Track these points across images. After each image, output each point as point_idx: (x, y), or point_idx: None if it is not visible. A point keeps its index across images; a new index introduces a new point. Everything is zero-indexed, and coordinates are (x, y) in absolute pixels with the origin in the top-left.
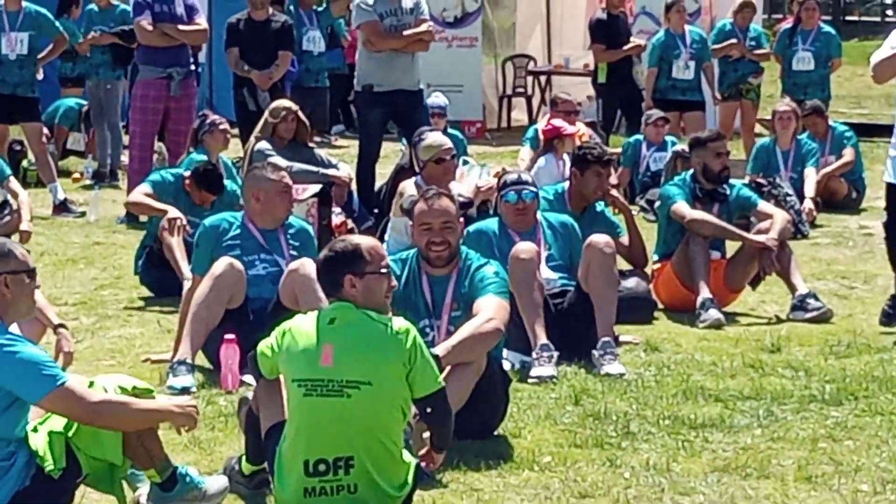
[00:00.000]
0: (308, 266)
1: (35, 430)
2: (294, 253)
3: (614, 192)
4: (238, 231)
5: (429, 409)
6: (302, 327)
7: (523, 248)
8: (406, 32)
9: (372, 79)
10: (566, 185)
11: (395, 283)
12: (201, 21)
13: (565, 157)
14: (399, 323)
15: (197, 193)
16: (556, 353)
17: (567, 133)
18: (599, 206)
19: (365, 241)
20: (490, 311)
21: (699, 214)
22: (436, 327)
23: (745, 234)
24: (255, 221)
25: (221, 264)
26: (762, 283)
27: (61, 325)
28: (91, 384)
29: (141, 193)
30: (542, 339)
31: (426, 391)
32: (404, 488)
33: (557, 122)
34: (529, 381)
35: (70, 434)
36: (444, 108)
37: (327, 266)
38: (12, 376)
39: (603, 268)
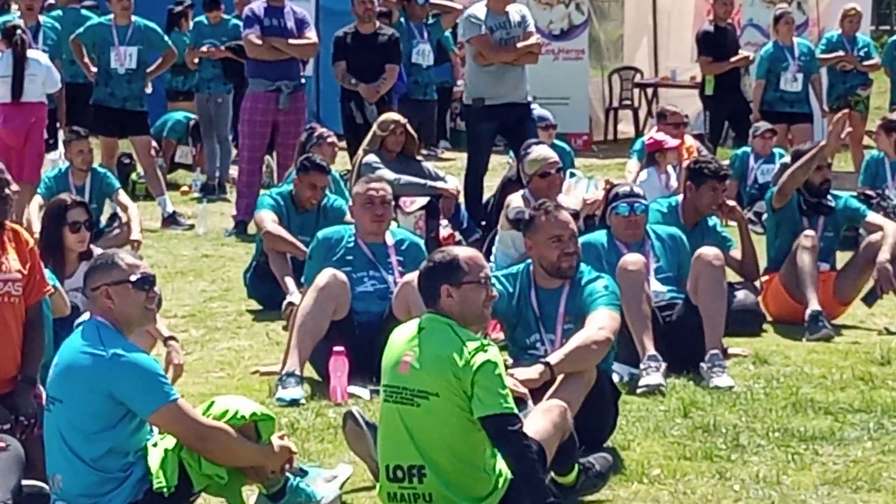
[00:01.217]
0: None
1: (155, 445)
2: (402, 269)
3: (730, 201)
4: (349, 246)
5: (491, 432)
6: (398, 334)
7: (631, 259)
8: (519, 44)
9: (482, 92)
10: (679, 198)
11: (494, 293)
12: (311, 35)
13: (669, 169)
14: (475, 341)
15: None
16: (664, 364)
17: (669, 146)
18: (711, 220)
19: (464, 252)
20: (600, 321)
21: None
22: (548, 341)
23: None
24: (362, 237)
25: (325, 276)
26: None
27: (171, 338)
28: (211, 404)
29: (274, 222)
30: (651, 350)
31: (484, 412)
32: (486, 500)
33: (660, 135)
34: (638, 390)
35: (182, 451)
36: (552, 120)
37: (426, 276)
38: (127, 387)
39: (712, 280)
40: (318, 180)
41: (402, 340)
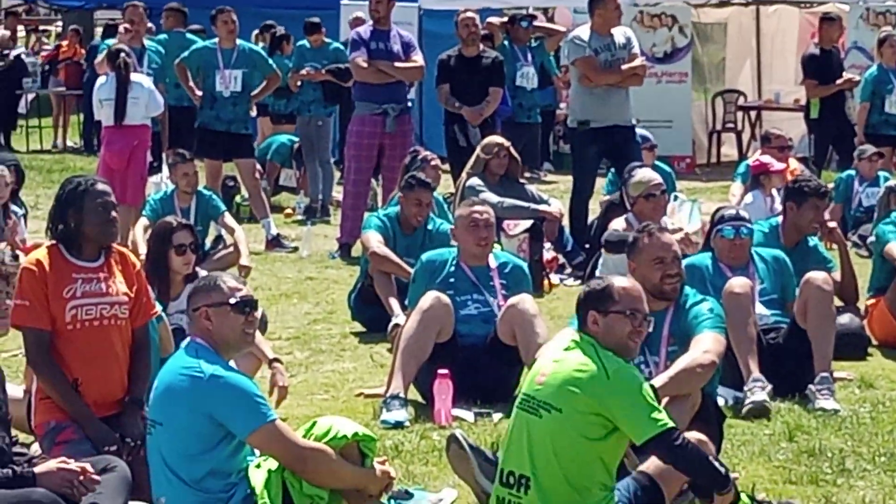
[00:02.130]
0: (527, 302)
1: (258, 466)
2: (505, 293)
3: (831, 223)
4: (452, 269)
5: (658, 454)
6: (548, 346)
7: (737, 282)
8: (624, 66)
9: (588, 115)
10: (779, 219)
11: (643, 329)
12: (417, 58)
13: (773, 192)
14: (615, 364)
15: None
16: (769, 385)
17: (774, 169)
18: (812, 240)
19: (620, 282)
20: (706, 344)
21: None
22: (652, 363)
23: None
24: (465, 260)
25: (429, 298)
26: None
27: (276, 360)
28: (313, 424)
29: (380, 243)
30: (755, 372)
31: (646, 437)
32: None
33: (765, 158)
34: (744, 410)
35: (285, 472)
36: (653, 140)
37: (579, 302)
38: (225, 408)
39: (821, 304)
40: (424, 197)
41: (548, 354)
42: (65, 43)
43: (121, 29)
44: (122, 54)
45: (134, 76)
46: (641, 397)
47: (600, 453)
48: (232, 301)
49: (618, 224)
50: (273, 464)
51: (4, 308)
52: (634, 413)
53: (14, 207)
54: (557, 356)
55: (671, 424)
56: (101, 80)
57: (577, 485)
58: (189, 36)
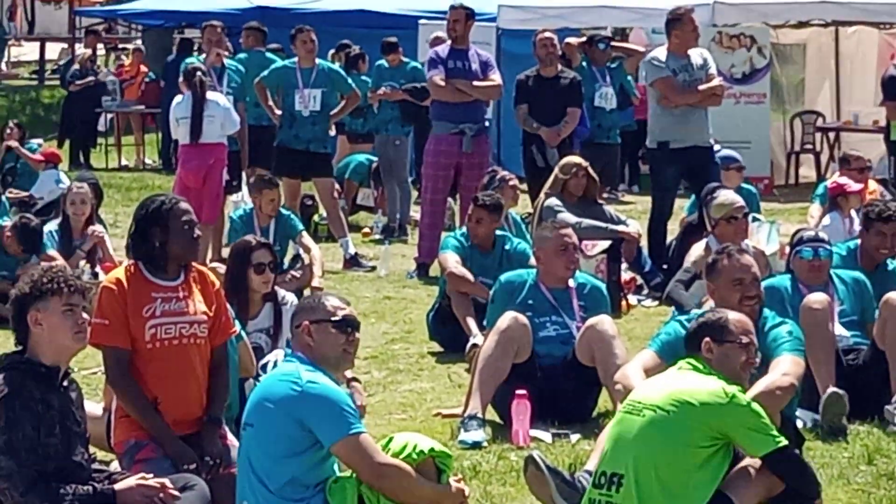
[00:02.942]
0: (605, 323)
1: (336, 481)
2: (584, 314)
3: None
4: (531, 290)
5: (773, 468)
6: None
7: (815, 298)
8: (702, 87)
9: (667, 135)
10: (858, 241)
11: (755, 360)
12: (495, 77)
13: (852, 214)
14: (730, 384)
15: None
16: (846, 394)
17: (852, 190)
18: (892, 263)
19: (735, 315)
20: (785, 367)
21: None
22: None
23: None
24: (545, 281)
25: (506, 318)
26: None
27: (354, 379)
28: (390, 440)
29: (458, 264)
30: (832, 388)
31: (762, 451)
32: None
33: (843, 179)
34: (820, 407)
35: (362, 486)
36: (742, 161)
37: (693, 331)
38: (315, 414)
39: None
40: (482, 216)
41: (662, 375)
42: (127, 61)
43: (205, 48)
44: (199, 73)
45: (210, 94)
46: (758, 415)
47: (699, 464)
48: (334, 319)
49: (698, 248)
50: (350, 479)
51: (81, 322)
52: (754, 430)
53: (97, 225)
54: (672, 372)
55: (784, 442)
56: (177, 98)
57: (671, 489)
58: (268, 55)
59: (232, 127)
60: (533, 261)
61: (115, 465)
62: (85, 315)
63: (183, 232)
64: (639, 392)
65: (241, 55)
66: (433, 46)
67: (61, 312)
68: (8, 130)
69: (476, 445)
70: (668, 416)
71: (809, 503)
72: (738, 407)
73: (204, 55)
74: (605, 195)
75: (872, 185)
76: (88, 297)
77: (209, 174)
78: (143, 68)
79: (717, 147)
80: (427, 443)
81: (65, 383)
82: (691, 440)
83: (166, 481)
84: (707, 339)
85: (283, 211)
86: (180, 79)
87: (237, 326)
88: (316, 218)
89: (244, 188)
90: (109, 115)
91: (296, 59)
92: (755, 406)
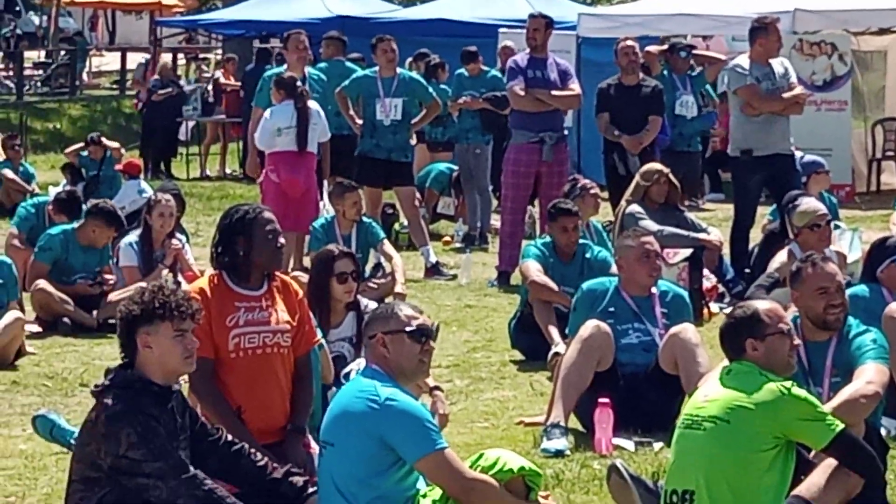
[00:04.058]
0: (689, 331)
1: (424, 495)
2: (666, 322)
3: None
4: (613, 298)
5: (837, 455)
6: (707, 377)
7: None
8: (785, 95)
9: (750, 143)
10: None
11: (797, 342)
12: (574, 86)
13: None
14: (781, 381)
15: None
16: None
17: None
18: None
19: (762, 304)
20: (869, 375)
21: None
22: (815, 394)
23: None
24: (627, 289)
25: (589, 327)
26: None
27: (436, 388)
28: (481, 455)
29: (539, 272)
30: None
31: (823, 442)
32: None
33: None
34: None
35: (450, 502)
36: (826, 166)
37: (729, 332)
38: (397, 432)
39: None
40: (569, 223)
41: (710, 381)
42: (219, 72)
43: (288, 57)
44: (299, 83)
45: (310, 103)
46: (814, 406)
47: (766, 468)
48: (408, 329)
49: (782, 255)
50: (437, 494)
51: (191, 347)
52: (811, 419)
53: (178, 235)
54: (721, 381)
55: (842, 425)
56: (269, 109)
57: (744, 497)
58: (349, 64)
59: (324, 136)
60: (614, 268)
61: None
62: (195, 340)
63: (267, 241)
64: (694, 405)
65: (322, 65)
66: (503, 56)
67: (172, 338)
68: (94, 140)
69: (559, 454)
70: (729, 425)
71: (879, 494)
72: (793, 399)
73: (285, 65)
74: (686, 203)
75: None
76: (198, 320)
77: (310, 183)
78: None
79: (799, 154)
80: (517, 461)
81: (173, 402)
82: (755, 445)
83: None
84: (749, 339)
85: (365, 219)
86: (273, 88)
87: (319, 335)
88: (397, 226)
89: (325, 197)
90: (191, 124)
91: (376, 68)
92: (809, 396)
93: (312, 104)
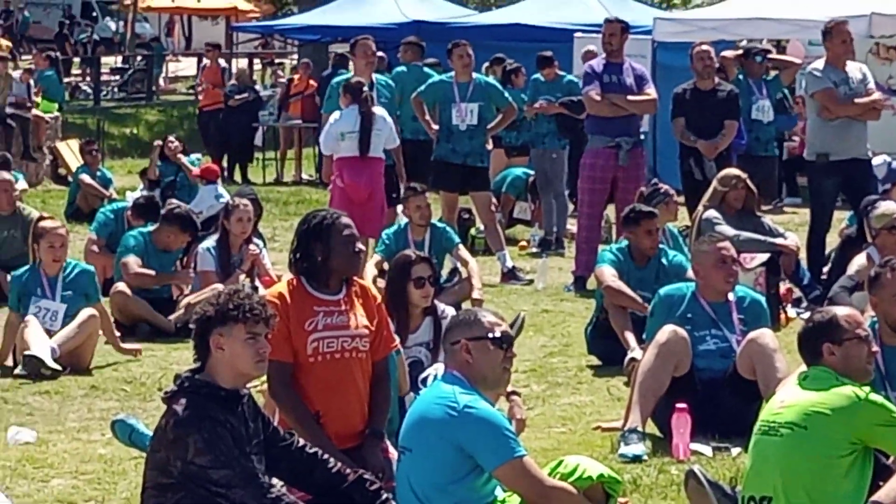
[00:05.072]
0: (767, 336)
1: (503, 501)
2: (743, 328)
3: None
4: (690, 304)
5: None
6: (784, 383)
7: None
8: (860, 100)
9: (827, 147)
10: None
11: (875, 348)
12: (651, 91)
13: None
14: (858, 387)
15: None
16: None
17: None
18: None
19: (841, 310)
20: None
21: None
22: (893, 399)
23: None
24: (704, 295)
25: (665, 332)
26: None
27: (513, 393)
28: (560, 462)
29: (615, 277)
30: None
31: None
32: None
33: None
34: None
35: None
36: None
37: (806, 337)
38: (476, 438)
39: None
40: (651, 225)
41: (786, 386)
42: (296, 76)
43: (355, 63)
44: (365, 88)
45: (376, 109)
46: (891, 412)
47: (843, 473)
48: (492, 336)
49: (860, 259)
50: (516, 500)
51: (262, 351)
52: (890, 428)
53: (255, 240)
54: (797, 387)
55: None
56: (335, 114)
57: (820, 502)
58: (426, 70)
59: (393, 142)
60: (690, 273)
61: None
62: (267, 344)
63: (345, 247)
64: (771, 411)
65: (400, 69)
66: (585, 60)
67: (244, 340)
68: (169, 144)
69: (636, 459)
70: (806, 431)
71: None
72: (870, 405)
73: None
74: (763, 208)
75: None
76: (272, 324)
77: (374, 188)
78: (313, 83)
79: (888, 159)
80: (597, 468)
81: (243, 407)
82: (832, 451)
83: None
84: (826, 343)
85: (439, 224)
86: (342, 93)
87: (397, 340)
88: (473, 231)
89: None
90: (265, 130)
91: (452, 73)
92: (886, 402)
93: (378, 110)
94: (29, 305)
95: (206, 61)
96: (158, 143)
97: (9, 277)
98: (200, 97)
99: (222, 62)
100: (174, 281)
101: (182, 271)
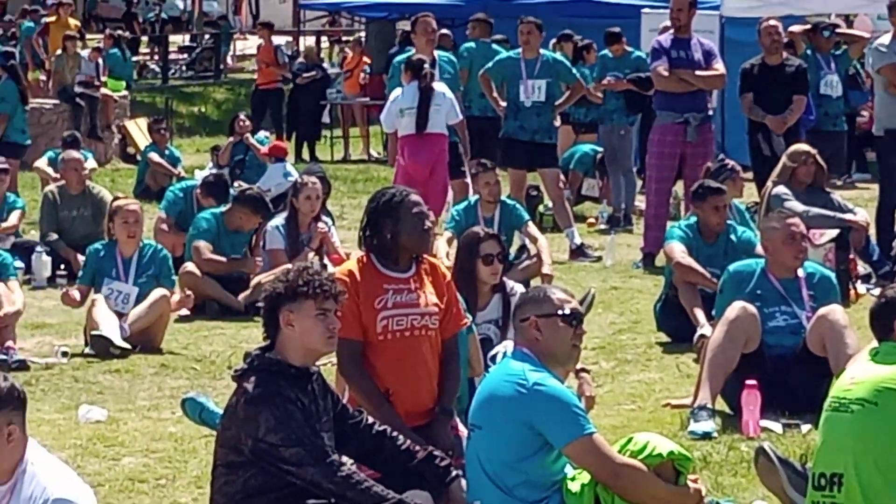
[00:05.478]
0: (837, 313)
1: (573, 479)
2: (813, 304)
3: None
4: (759, 280)
5: None
6: (855, 358)
7: None
8: None
9: (895, 123)
10: None
11: None
12: (719, 66)
13: None
14: None
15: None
16: None
17: None
18: None
19: None
20: None
21: None
22: None
23: None
24: (773, 271)
25: (735, 308)
26: None
27: (583, 370)
28: (629, 440)
29: (683, 253)
30: None
31: None
32: None
33: None
34: None
35: (598, 486)
36: None
37: (878, 311)
38: (546, 416)
39: None
40: (720, 201)
41: (857, 362)
42: (348, 54)
43: (416, 40)
44: (425, 65)
45: (436, 85)
46: None
47: None
48: (561, 312)
49: None
50: (586, 477)
51: (332, 327)
52: None
53: (324, 218)
54: (868, 362)
55: None
56: (396, 91)
57: (893, 479)
58: (494, 46)
59: (455, 117)
60: (759, 249)
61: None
62: (336, 320)
63: (414, 224)
64: (841, 388)
65: (469, 45)
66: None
67: (314, 316)
68: (240, 123)
69: (706, 436)
70: (877, 407)
71: None
72: None
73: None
74: (832, 183)
75: None
76: (341, 301)
77: (435, 165)
78: (366, 59)
79: None
80: (667, 445)
81: (313, 384)
82: None
83: None
84: None
85: (508, 201)
86: (403, 70)
87: (468, 318)
88: (541, 208)
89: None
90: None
91: (520, 49)
92: None
93: (438, 85)
94: (101, 286)
95: (260, 40)
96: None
97: (81, 259)
98: (255, 77)
99: (278, 39)
100: (243, 268)
101: (250, 258)
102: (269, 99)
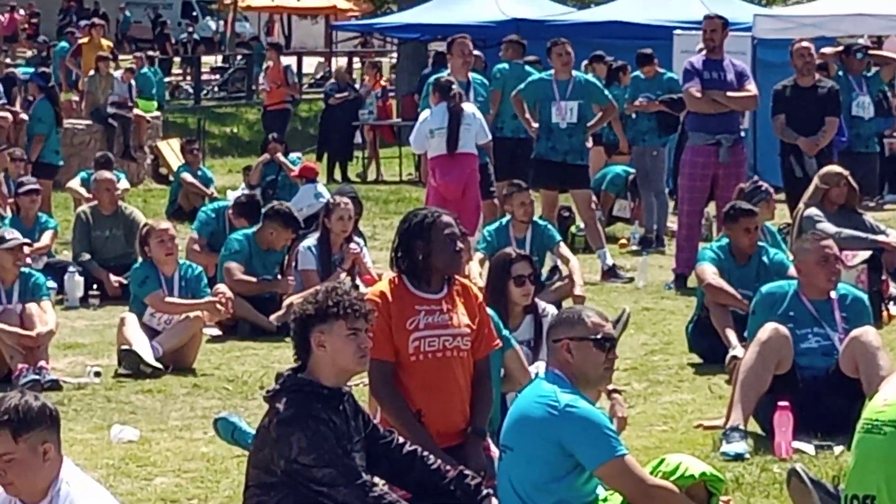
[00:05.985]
0: (870, 334)
1: (605, 500)
2: (846, 326)
3: None
4: (792, 302)
5: None
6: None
7: None
8: None
9: None
10: None
11: None
12: (751, 87)
13: None
14: None
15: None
16: None
17: None
18: None
19: None
20: None
21: None
22: None
23: None
24: (806, 293)
25: (767, 330)
26: None
27: (615, 391)
28: (662, 461)
29: (715, 275)
30: None
31: None
32: None
33: None
34: None
35: None
36: None
37: None
38: (577, 437)
39: None
40: (751, 223)
41: (887, 384)
42: (366, 77)
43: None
44: (454, 86)
45: (465, 105)
46: None
47: None
48: (595, 337)
49: None
50: (618, 499)
51: (364, 346)
52: None
53: (356, 239)
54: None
55: None
56: (425, 112)
57: None
58: (527, 68)
59: (484, 137)
60: (791, 271)
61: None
62: (368, 339)
63: (446, 245)
64: (874, 409)
65: (501, 66)
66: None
67: (345, 336)
68: (271, 144)
69: (738, 457)
70: None
71: None
72: None
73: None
74: (864, 204)
75: None
76: (371, 320)
77: (468, 185)
78: (382, 83)
79: None
80: (699, 466)
81: (345, 405)
82: None
83: None
84: None
85: (540, 222)
86: (431, 91)
87: (507, 334)
88: (573, 229)
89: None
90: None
91: (552, 71)
92: None
93: (468, 106)
94: (140, 305)
95: (268, 62)
96: (265, 157)
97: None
98: (264, 98)
99: (285, 60)
100: (275, 289)
101: (282, 279)
102: (276, 119)
